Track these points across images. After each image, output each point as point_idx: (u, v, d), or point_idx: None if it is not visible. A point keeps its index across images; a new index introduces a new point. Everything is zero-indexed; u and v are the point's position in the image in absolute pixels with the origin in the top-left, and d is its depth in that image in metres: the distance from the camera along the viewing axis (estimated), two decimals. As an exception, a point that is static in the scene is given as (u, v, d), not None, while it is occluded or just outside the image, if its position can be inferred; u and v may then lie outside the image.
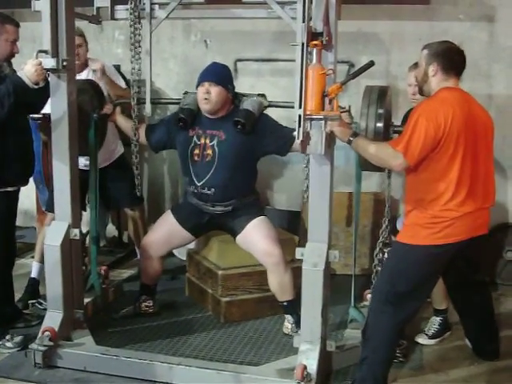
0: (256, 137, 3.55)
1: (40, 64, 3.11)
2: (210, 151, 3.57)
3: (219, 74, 3.60)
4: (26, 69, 3.12)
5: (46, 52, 3.12)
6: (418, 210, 2.92)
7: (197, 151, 3.61)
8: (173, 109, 4.36)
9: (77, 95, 3.42)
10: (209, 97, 3.51)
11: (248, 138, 3.54)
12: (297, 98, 2.58)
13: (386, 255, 3.47)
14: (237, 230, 3.67)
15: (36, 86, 3.17)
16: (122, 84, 4.30)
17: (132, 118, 3.73)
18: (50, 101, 3.42)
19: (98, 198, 3.80)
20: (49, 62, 3.12)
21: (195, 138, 3.62)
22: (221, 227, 3.80)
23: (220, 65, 3.71)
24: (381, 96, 3.10)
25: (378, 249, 3.53)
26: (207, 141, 3.58)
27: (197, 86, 3.58)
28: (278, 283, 3.60)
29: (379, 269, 3.44)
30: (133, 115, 3.72)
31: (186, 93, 3.81)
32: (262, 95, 3.68)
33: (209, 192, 3.61)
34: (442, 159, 2.82)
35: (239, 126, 3.50)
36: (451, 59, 2.97)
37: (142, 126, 3.81)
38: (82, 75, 4.07)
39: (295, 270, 3.47)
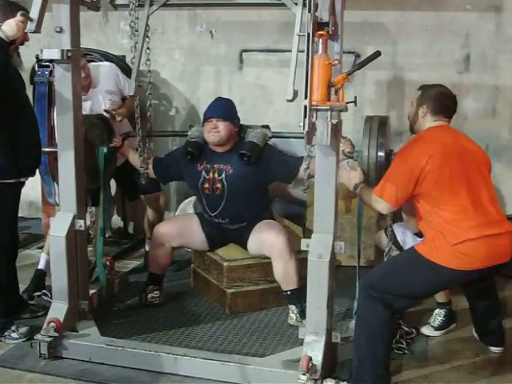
0: (262, 167, 3.69)
1: (22, 21, 2.98)
2: (219, 185, 3.73)
3: (225, 110, 3.74)
4: (7, 23, 3.00)
5: (30, 19, 2.94)
6: (433, 232, 2.92)
7: (207, 185, 3.77)
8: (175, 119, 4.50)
9: (86, 130, 3.54)
10: (217, 130, 3.64)
11: (254, 168, 3.67)
12: (301, 89, 2.57)
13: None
14: (247, 237, 3.81)
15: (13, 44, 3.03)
16: (132, 89, 4.22)
17: (141, 150, 3.84)
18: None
19: (108, 200, 3.99)
20: (53, 53, 3.10)
21: (204, 173, 3.76)
22: (235, 241, 3.96)
23: (224, 100, 3.86)
24: (381, 126, 3.22)
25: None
26: (216, 175, 3.74)
27: (203, 122, 3.72)
28: (282, 271, 3.63)
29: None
30: (139, 149, 3.83)
31: (191, 126, 3.96)
32: (266, 126, 3.84)
33: (223, 221, 3.81)
34: (431, 190, 2.88)
35: (245, 159, 3.65)
36: (441, 104, 3.10)
37: (150, 159, 3.94)
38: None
39: (301, 262, 3.47)
